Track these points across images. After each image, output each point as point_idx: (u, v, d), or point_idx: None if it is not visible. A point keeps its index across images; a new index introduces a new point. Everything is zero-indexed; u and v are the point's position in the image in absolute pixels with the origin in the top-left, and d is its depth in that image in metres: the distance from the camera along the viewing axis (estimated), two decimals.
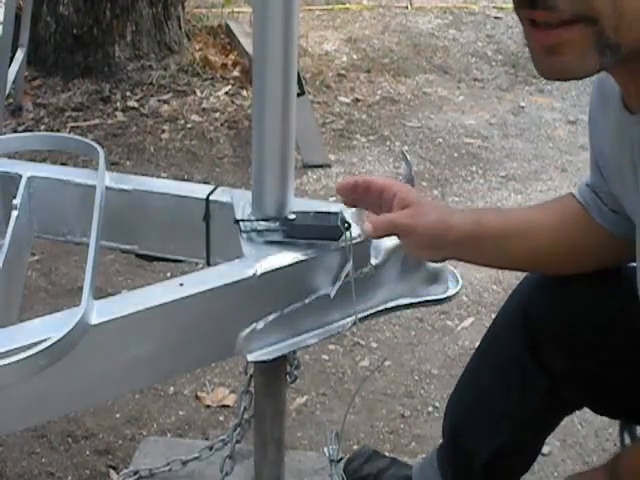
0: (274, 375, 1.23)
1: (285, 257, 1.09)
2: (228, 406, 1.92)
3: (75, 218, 1.25)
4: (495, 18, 5.00)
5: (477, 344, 1.36)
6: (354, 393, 1.92)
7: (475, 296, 2.38)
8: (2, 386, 0.86)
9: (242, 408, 1.34)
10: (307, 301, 1.11)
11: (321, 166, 3.12)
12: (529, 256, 1.16)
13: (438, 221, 1.07)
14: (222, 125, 3.43)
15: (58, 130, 3.29)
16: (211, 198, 1.21)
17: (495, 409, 1.28)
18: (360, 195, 1.11)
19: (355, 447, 1.79)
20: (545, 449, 1.66)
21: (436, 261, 1.18)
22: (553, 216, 1.16)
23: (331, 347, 2.13)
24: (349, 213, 1.13)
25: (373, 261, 1.16)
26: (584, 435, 1.79)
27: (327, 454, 1.39)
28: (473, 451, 1.32)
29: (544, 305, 1.20)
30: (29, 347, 0.84)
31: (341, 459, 1.41)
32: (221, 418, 1.89)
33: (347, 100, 3.75)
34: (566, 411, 1.30)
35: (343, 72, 4.03)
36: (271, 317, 1.08)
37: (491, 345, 1.32)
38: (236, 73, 3.84)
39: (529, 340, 1.21)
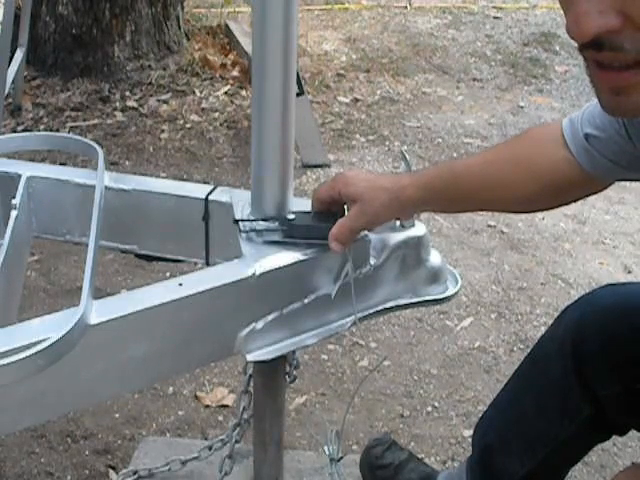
0: (273, 375, 1.23)
1: (284, 257, 1.08)
2: (227, 406, 1.92)
3: (74, 218, 1.25)
4: (494, 18, 5.00)
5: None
6: (354, 392, 1.92)
7: (474, 296, 2.38)
8: (1, 386, 0.86)
9: (241, 408, 1.34)
10: (306, 301, 1.10)
11: (320, 166, 3.12)
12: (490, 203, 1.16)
13: (388, 199, 1.09)
14: (221, 125, 3.43)
15: (57, 130, 3.29)
16: (210, 198, 1.21)
17: (532, 432, 1.28)
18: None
19: (355, 447, 1.79)
20: None
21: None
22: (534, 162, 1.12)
23: (330, 347, 2.13)
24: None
25: (372, 261, 1.16)
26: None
27: (327, 453, 1.40)
28: (506, 471, 1.32)
29: (597, 327, 1.19)
30: (28, 347, 0.83)
31: (341, 458, 1.41)
32: (220, 418, 1.89)
33: (346, 100, 3.75)
34: (603, 437, 1.30)
35: (342, 72, 4.04)
36: (270, 317, 1.08)
37: (534, 367, 1.31)
38: (235, 73, 3.84)
39: (577, 363, 1.20)
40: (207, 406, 1.92)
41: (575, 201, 1.15)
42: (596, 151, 1.05)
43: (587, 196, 1.14)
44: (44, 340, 0.85)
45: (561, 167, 1.08)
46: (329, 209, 1.12)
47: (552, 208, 1.17)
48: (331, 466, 1.41)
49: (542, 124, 1.18)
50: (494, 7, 5.18)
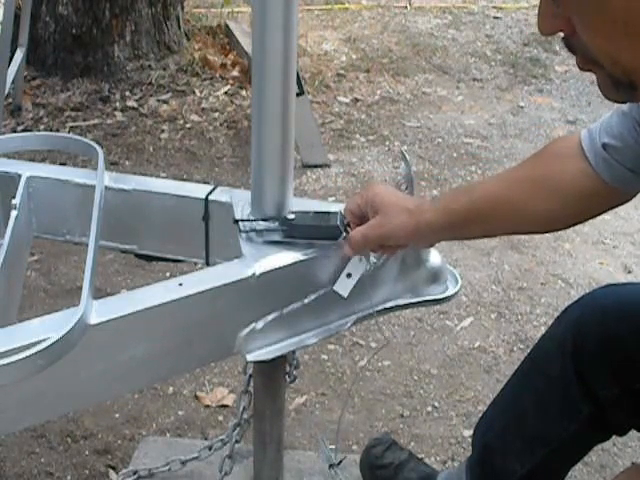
0: (273, 375, 1.23)
1: (284, 257, 1.09)
2: (227, 406, 1.92)
3: (74, 218, 1.25)
4: (494, 18, 5.00)
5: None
6: (350, 389, 1.92)
7: (474, 296, 2.38)
8: (1, 386, 0.86)
9: (241, 408, 1.34)
10: (306, 301, 1.11)
11: (320, 166, 3.12)
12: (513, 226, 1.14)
13: (408, 219, 1.08)
14: (221, 125, 3.43)
15: (57, 130, 3.29)
16: (210, 198, 1.21)
17: (532, 432, 1.29)
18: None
19: (355, 447, 1.79)
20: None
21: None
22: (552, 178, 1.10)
23: (330, 347, 2.13)
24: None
25: (372, 261, 1.16)
26: None
27: (324, 460, 1.40)
28: (506, 471, 1.32)
29: (597, 327, 1.19)
30: (28, 347, 0.84)
31: (341, 461, 1.41)
32: (220, 418, 1.89)
33: (346, 100, 3.75)
34: (603, 437, 1.30)
35: (342, 72, 4.03)
36: (270, 317, 1.08)
37: (534, 367, 1.31)
38: (235, 73, 3.84)
39: (577, 363, 1.21)
40: (207, 406, 1.92)
41: (595, 216, 1.12)
42: (615, 160, 1.04)
43: (607, 210, 1.11)
44: (44, 340, 0.85)
45: (579, 179, 1.07)
46: (360, 222, 1.12)
47: (572, 225, 1.15)
48: (330, 470, 1.41)
49: (560, 137, 1.17)
50: (494, 7, 5.17)
